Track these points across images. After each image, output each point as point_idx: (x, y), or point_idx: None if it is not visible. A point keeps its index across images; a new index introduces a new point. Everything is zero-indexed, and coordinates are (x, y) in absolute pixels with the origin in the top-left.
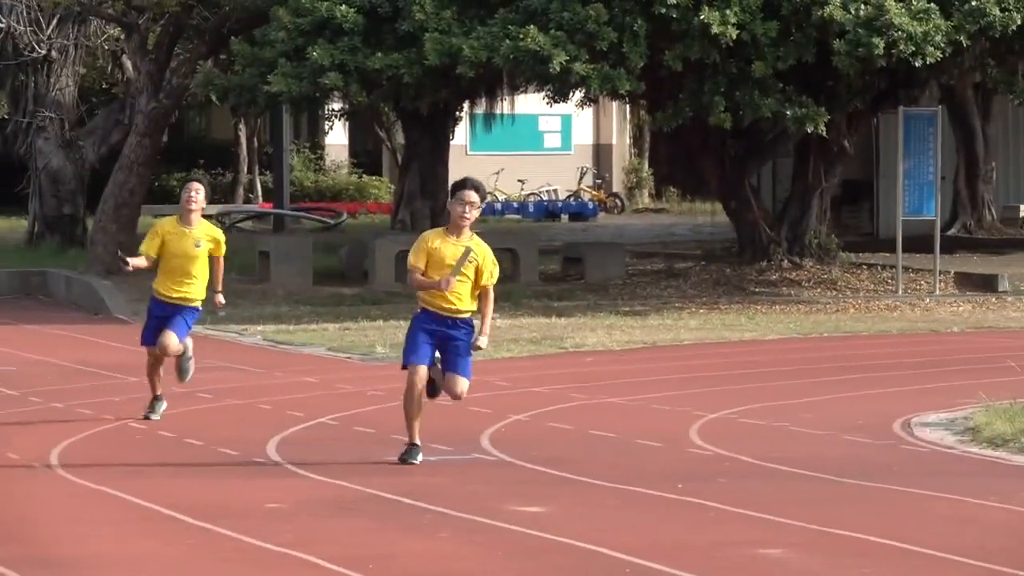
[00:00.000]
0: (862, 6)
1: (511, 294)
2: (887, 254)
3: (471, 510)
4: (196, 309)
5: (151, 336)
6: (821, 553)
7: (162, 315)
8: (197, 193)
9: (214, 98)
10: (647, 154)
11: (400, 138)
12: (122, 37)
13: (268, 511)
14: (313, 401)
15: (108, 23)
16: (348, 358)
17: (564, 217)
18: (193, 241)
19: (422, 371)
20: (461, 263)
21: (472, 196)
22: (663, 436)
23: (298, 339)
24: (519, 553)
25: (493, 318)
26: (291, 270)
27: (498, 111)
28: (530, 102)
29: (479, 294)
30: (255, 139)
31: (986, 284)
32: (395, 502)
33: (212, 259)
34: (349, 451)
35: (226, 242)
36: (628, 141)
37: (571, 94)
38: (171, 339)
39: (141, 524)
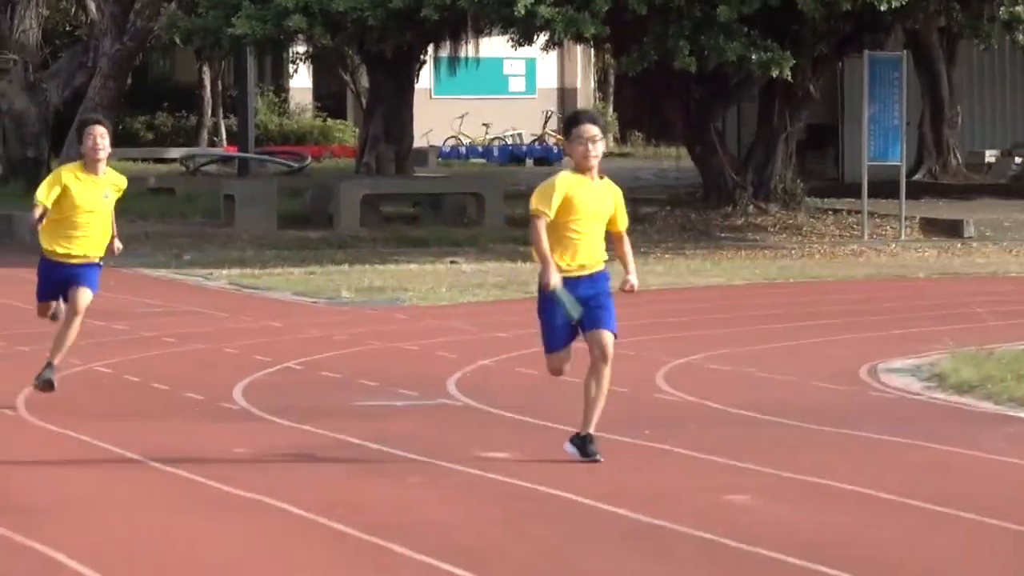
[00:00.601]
0: None
1: (477, 239)
2: (852, 199)
3: (439, 456)
4: (99, 266)
5: (43, 294)
6: (787, 499)
7: (60, 278)
8: (103, 138)
9: (178, 40)
10: (612, 98)
11: (364, 81)
12: None
13: (236, 456)
14: (279, 346)
15: None
16: (314, 302)
17: (529, 161)
18: (102, 192)
19: (562, 355)
20: (570, 304)
21: (592, 130)
22: (630, 382)
23: (263, 283)
24: (487, 499)
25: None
26: (256, 214)
27: (462, 55)
28: (495, 45)
29: (616, 240)
30: (219, 82)
31: (952, 230)
32: (363, 448)
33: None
34: (315, 396)
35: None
36: (593, 85)
37: (536, 37)
38: (85, 295)
39: (109, 470)
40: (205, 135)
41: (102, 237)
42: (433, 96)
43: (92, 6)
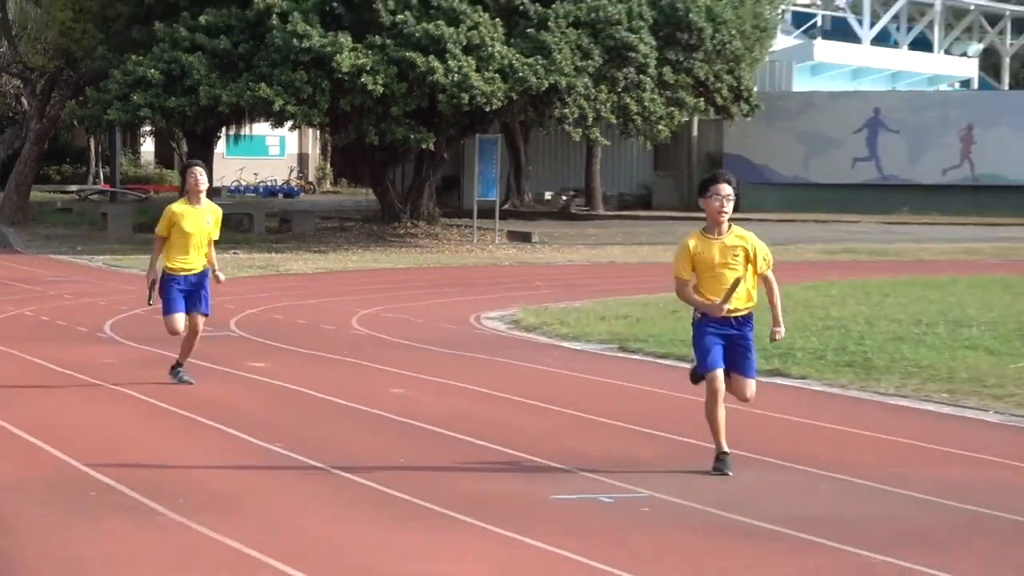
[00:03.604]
0: (455, 75)
1: (248, 240)
2: (468, 220)
3: (225, 365)
4: (207, 273)
5: (171, 306)
6: (430, 392)
7: (182, 289)
8: (202, 176)
9: (75, 122)
10: (330, 159)
11: (184, 147)
12: (21, 85)
13: (105, 364)
14: (132, 300)
15: (12, 77)
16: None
17: (280, 195)
18: (204, 218)
19: (719, 374)
20: (731, 292)
21: (726, 189)
22: (335, 322)
23: (124, 264)
24: (254, 390)
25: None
26: (121, 223)
27: (243, 132)
28: (261, 127)
29: (763, 282)
30: (99, 146)
31: (524, 238)
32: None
33: (209, 240)
34: (153, 329)
35: (222, 218)
36: (319, 151)
37: (285, 123)
38: (199, 321)
39: (30, 371)
40: (91, 178)
41: (204, 253)
42: (225, 156)
43: (25, 102)
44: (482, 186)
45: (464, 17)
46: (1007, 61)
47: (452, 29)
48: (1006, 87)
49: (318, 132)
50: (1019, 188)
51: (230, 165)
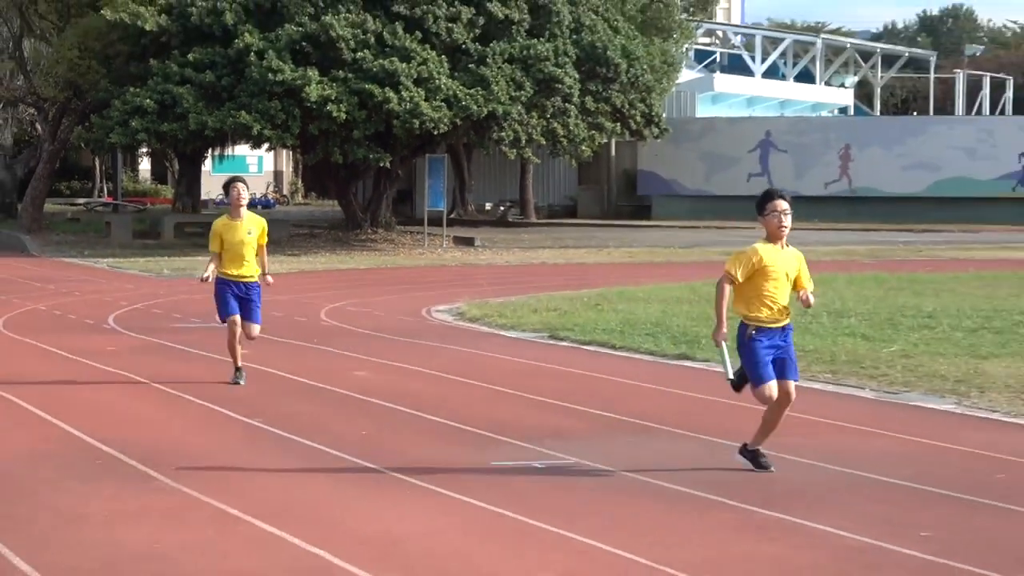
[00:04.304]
0: (407, 104)
1: None
2: (419, 227)
3: (211, 351)
4: (258, 285)
5: (227, 310)
6: (387, 374)
7: (235, 293)
8: (244, 191)
9: (82, 144)
10: (301, 175)
11: (176, 166)
12: (35, 113)
13: (109, 351)
14: (132, 296)
15: (28, 106)
16: (150, 275)
17: (259, 207)
18: (245, 230)
19: (773, 385)
20: (729, 363)
21: (784, 204)
22: (306, 315)
23: (125, 265)
24: (230, 370)
25: None
26: (122, 231)
27: (227, 153)
28: (242, 148)
29: (799, 297)
30: (103, 165)
31: (468, 242)
32: (173, 348)
33: (259, 246)
34: (150, 321)
35: (268, 228)
36: (291, 168)
37: (262, 145)
38: (254, 329)
39: (44, 358)
40: (96, 192)
41: (253, 262)
42: (211, 173)
43: (39, 127)
44: (431, 198)
45: (415, 54)
46: (878, 91)
47: (404, 65)
48: (877, 113)
49: (291, 152)
50: (889, 199)
51: (215, 181)
